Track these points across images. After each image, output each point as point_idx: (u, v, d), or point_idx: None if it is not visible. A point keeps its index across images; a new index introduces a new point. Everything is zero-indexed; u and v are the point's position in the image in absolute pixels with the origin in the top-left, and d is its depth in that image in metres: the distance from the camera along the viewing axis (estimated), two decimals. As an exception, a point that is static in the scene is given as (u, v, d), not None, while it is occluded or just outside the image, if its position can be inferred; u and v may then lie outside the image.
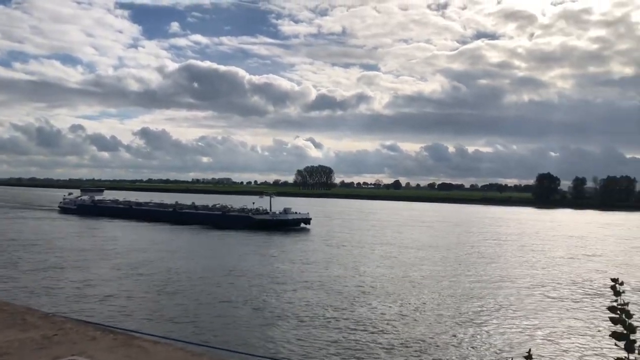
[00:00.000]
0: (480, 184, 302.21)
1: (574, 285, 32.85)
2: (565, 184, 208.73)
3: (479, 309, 25.64)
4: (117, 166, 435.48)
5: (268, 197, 75.02)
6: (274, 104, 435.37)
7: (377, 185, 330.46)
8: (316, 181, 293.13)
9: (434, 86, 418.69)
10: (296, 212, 74.19)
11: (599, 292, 30.76)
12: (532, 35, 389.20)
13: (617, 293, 3.05)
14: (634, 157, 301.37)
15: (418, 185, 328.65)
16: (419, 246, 52.68)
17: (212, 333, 20.34)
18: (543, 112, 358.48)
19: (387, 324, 22.30)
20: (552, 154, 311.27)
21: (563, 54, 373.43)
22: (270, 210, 73.00)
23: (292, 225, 70.81)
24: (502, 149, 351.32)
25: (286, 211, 72.55)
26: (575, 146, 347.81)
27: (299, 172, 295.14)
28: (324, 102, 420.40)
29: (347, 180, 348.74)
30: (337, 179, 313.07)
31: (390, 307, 25.55)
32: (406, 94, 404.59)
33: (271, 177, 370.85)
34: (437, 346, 19.50)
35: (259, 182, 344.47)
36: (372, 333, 20.93)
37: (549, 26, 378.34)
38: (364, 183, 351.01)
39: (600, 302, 27.97)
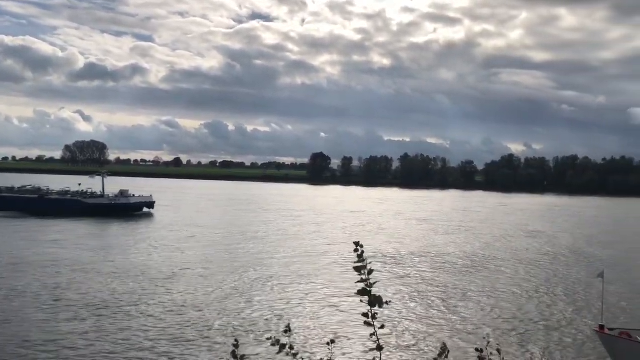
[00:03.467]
0: (260, 162, 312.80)
1: (373, 258, 37.64)
2: (335, 163, 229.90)
3: (284, 284, 28.56)
4: None
5: (100, 177, 66.29)
6: (33, 70, 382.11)
7: (156, 162, 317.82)
8: (88, 158, 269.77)
9: (211, 63, 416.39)
10: (136, 195, 67.67)
11: (396, 262, 36.16)
12: (303, 20, 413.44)
13: (360, 255, 3.38)
14: (391, 140, 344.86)
15: (200, 163, 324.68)
16: (221, 225, 53.91)
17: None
18: (314, 95, 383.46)
19: (188, 309, 24.00)
20: (323, 134, 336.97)
21: (331, 42, 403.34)
22: (104, 192, 65.15)
23: (134, 210, 64.63)
24: (279, 129, 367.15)
25: (124, 194, 65.67)
26: (342, 128, 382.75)
27: (67, 148, 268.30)
28: (94, 71, 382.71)
29: (123, 157, 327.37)
30: (112, 156, 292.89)
31: (195, 291, 27.33)
32: (184, 69, 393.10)
33: (33, 153, 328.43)
34: (227, 324, 22.08)
35: (18, 158, 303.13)
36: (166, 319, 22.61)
37: (317, 13, 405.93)
38: (142, 160, 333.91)
39: (396, 271, 33.02)
